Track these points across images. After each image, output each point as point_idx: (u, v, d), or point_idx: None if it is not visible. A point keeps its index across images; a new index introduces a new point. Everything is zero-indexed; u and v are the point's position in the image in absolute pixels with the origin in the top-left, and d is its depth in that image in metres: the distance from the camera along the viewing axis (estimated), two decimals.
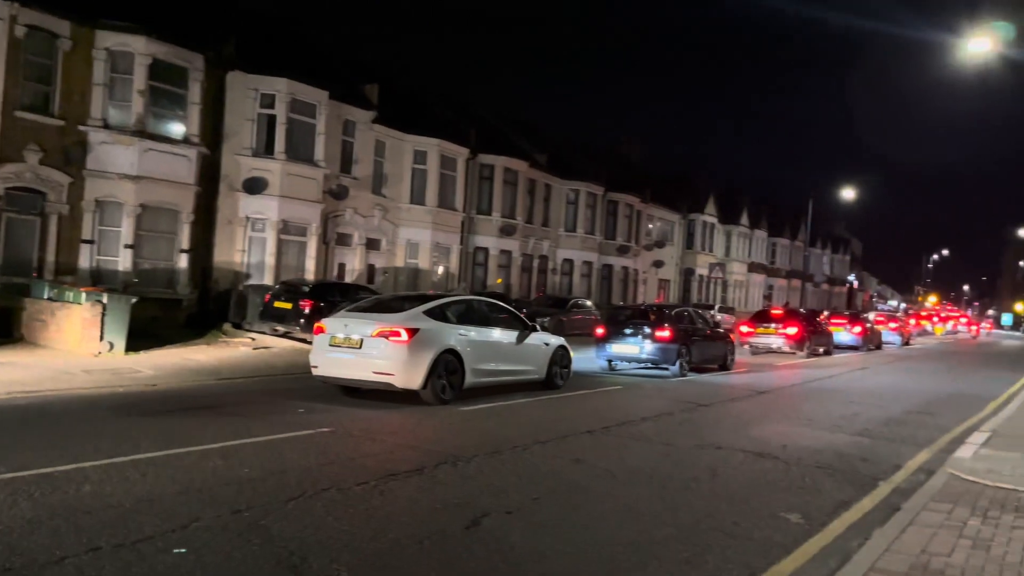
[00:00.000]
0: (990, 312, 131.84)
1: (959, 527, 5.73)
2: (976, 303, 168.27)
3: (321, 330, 10.95)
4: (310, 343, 17.17)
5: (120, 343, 14.56)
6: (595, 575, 4.68)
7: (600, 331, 17.39)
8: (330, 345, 10.72)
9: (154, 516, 5.30)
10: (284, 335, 18.48)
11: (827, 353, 26.66)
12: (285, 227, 21.73)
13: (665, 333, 16.49)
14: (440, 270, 27.92)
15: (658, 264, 43.35)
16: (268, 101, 21.17)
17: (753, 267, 55.56)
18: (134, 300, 14.95)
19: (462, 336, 11.07)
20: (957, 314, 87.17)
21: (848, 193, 48.44)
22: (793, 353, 24.51)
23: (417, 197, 26.76)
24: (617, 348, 16.81)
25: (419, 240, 26.93)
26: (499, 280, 29.60)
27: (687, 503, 6.34)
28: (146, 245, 19.09)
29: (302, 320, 18.00)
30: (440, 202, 27.22)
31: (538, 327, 13.26)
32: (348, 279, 24.11)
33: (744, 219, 53.01)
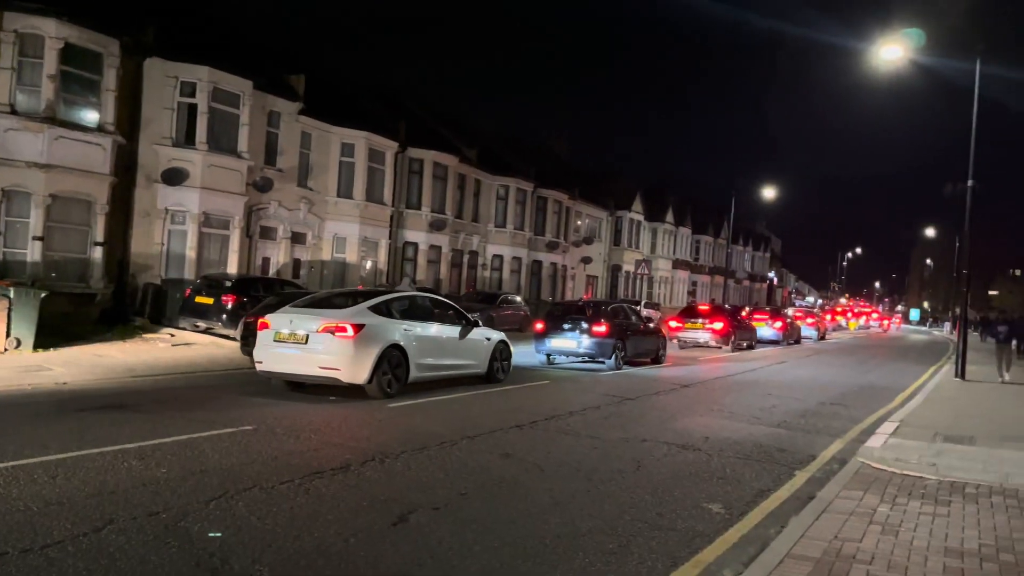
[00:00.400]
0: (899, 308, 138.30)
1: (869, 513, 5.98)
2: (886, 299, 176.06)
3: (266, 326, 10.99)
4: (233, 339, 16.96)
5: (28, 339, 13.88)
6: (522, 569, 4.70)
7: (539, 326, 17.79)
8: (275, 340, 10.79)
9: (65, 520, 5.07)
10: (205, 331, 17.96)
11: (750, 347, 27.81)
12: (207, 220, 21.09)
13: (602, 328, 17.07)
14: (368, 265, 27.59)
15: (586, 260, 43.85)
16: (189, 90, 20.49)
17: (678, 264, 56.78)
18: (44, 294, 14.26)
19: (407, 332, 11.27)
20: (869, 310, 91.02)
21: (768, 192, 50.13)
22: (719, 347, 25.55)
23: (345, 190, 26.36)
24: (556, 343, 17.23)
25: (347, 234, 26.54)
26: (404, 277, 29.46)
27: (613, 495, 6.43)
28: (57, 237, 18.23)
29: (224, 315, 17.54)
30: (368, 196, 26.88)
31: (480, 323, 13.45)
32: (272, 273, 23.58)
33: (669, 217, 54.12)
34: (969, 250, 20.08)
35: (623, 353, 17.42)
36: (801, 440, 9.47)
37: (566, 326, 17.28)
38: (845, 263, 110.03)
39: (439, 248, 30.65)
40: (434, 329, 12.05)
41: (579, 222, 43.31)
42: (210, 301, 17.79)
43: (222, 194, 21.26)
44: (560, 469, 7.24)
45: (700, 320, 26.11)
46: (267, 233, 23.98)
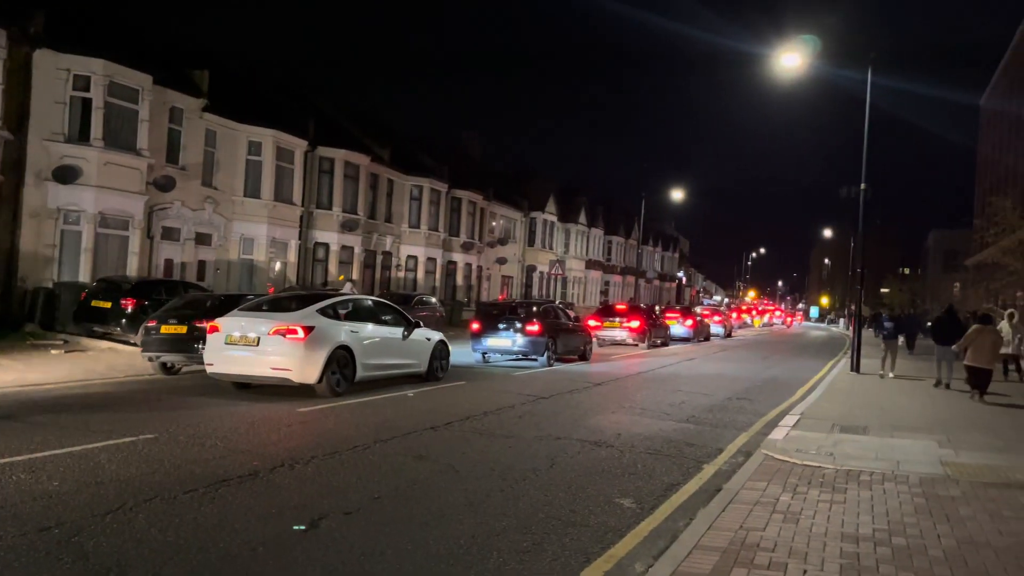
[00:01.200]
0: (800, 305, 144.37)
1: (772, 503, 6.22)
2: (789, 297, 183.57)
3: (216, 329, 11.46)
4: (134, 344, 16.19)
5: None
6: (435, 571, 4.67)
7: (475, 326, 18.57)
8: (226, 343, 11.25)
9: None
10: (103, 336, 17.13)
11: (664, 344, 29.00)
12: (103, 220, 20.13)
13: (535, 328, 18.09)
14: (277, 266, 26.93)
15: (501, 261, 44.04)
16: (82, 83, 19.50)
17: (591, 264, 57.70)
18: None
19: (353, 333, 11.94)
20: (772, 308, 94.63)
21: (677, 194, 51.57)
22: (636, 345, 26.64)
23: (252, 190, 25.64)
24: (492, 342, 18.10)
25: (255, 235, 25.82)
26: (341, 277, 28.95)
27: (526, 494, 6.46)
28: None
29: (124, 320, 16.78)
30: (277, 195, 26.24)
31: (421, 324, 14.08)
32: (176, 276, 22.70)
33: (582, 218, 54.95)
34: (863, 250, 21.18)
35: (554, 351, 18.41)
36: (709, 434, 9.77)
37: (501, 326, 18.20)
38: (750, 263, 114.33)
39: (351, 249, 30.19)
40: (378, 330, 12.68)
41: (494, 223, 43.45)
42: (108, 305, 16.98)
43: (120, 193, 20.33)
44: (474, 469, 7.23)
45: (618, 319, 27.11)
46: (170, 234, 23.08)
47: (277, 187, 26.24)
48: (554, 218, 50.11)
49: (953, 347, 15.14)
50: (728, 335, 40.96)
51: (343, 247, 29.70)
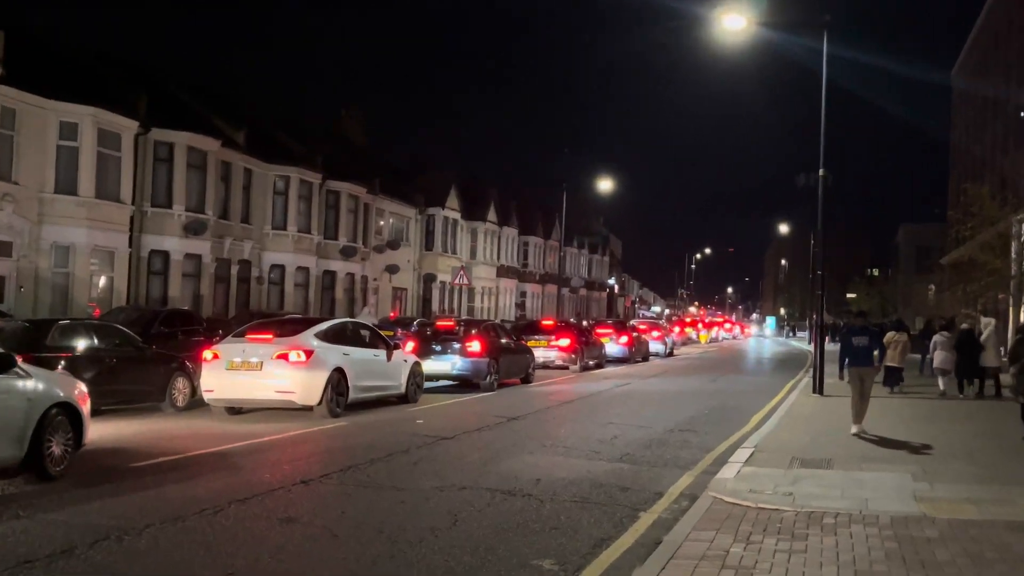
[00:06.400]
0: (754, 315, 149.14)
1: (722, 556, 6.36)
2: (740, 306, 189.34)
3: (216, 356, 14.19)
4: None
5: None
6: None
7: (409, 348, 18.99)
8: (227, 369, 13.97)
9: None
10: None
11: (599, 366, 29.70)
12: None
13: (476, 348, 19.70)
14: (102, 281, 26.00)
15: (392, 270, 43.78)
16: None
17: (503, 271, 58.06)
18: None
19: (346, 356, 14.89)
20: (721, 319, 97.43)
21: (605, 185, 52.37)
22: (566, 367, 27.25)
23: (66, 184, 24.71)
24: (428, 366, 18.74)
25: (71, 241, 24.86)
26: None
27: (423, 559, 6.42)
28: None
29: None
30: (99, 191, 25.36)
31: (399, 345, 17.46)
32: None
33: (491, 215, 55.26)
34: (823, 248, 22.03)
35: (496, 374, 20.15)
36: (646, 475, 9.93)
37: (437, 348, 19.79)
38: (694, 266, 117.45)
39: (198, 258, 29.41)
40: (366, 353, 15.73)
41: (382, 222, 43.17)
42: None
43: None
44: (358, 531, 7.15)
45: (545, 337, 27.69)
46: None
47: (100, 180, 25.36)
48: (457, 215, 50.21)
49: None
50: (670, 353, 41.85)
51: (187, 256, 28.89)
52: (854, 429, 12.97)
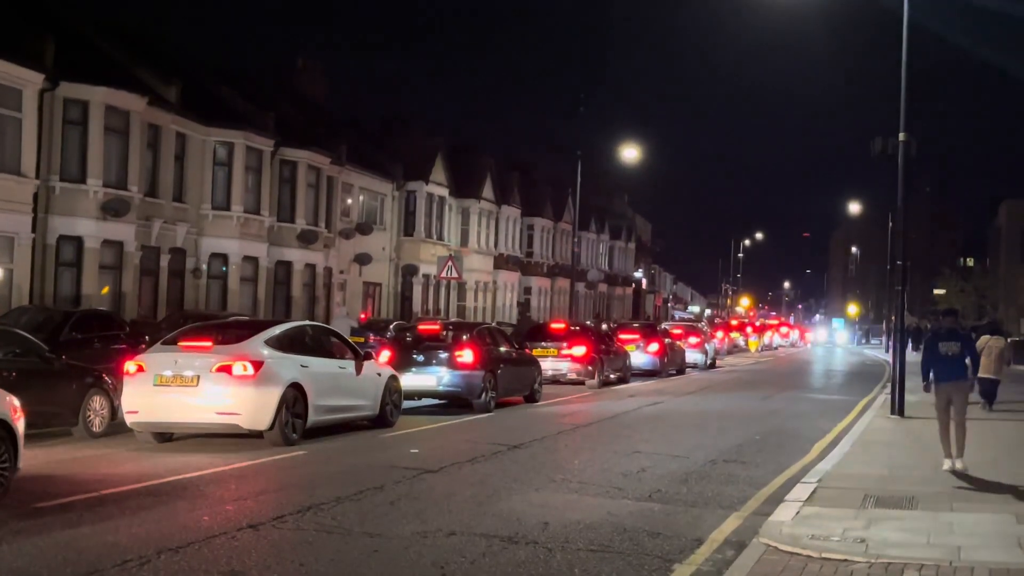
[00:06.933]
0: (816, 317, 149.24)
1: None
2: (800, 305, 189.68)
3: (141, 369, 14.02)
4: None
5: None
6: None
7: (385, 359, 19.09)
8: (155, 385, 13.77)
9: None
10: None
11: (622, 380, 29.52)
12: None
13: (468, 358, 19.57)
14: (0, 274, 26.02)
15: (363, 260, 43.74)
16: None
17: (503, 261, 57.95)
18: None
19: (304, 368, 14.80)
20: (776, 321, 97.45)
21: (630, 152, 52.13)
22: (581, 381, 26.94)
23: None
24: (408, 381, 18.70)
25: None
26: (105, 289, 28.19)
27: None
28: None
29: None
30: None
31: (372, 355, 17.57)
32: None
33: (488, 191, 55.19)
34: (905, 232, 21.94)
35: (494, 390, 20.10)
36: (682, 517, 9.90)
37: (420, 358, 19.75)
38: (741, 255, 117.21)
39: (119, 245, 29.35)
40: (329, 364, 15.76)
41: (349, 200, 43.14)
42: None
43: None
44: None
45: (554, 344, 27.47)
46: None
47: None
48: (444, 191, 50.19)
49: None
50: (712, 364, 41.84)
51: (106, 243, 28.83)
52: (947, 465, 12.44)
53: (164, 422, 14.14)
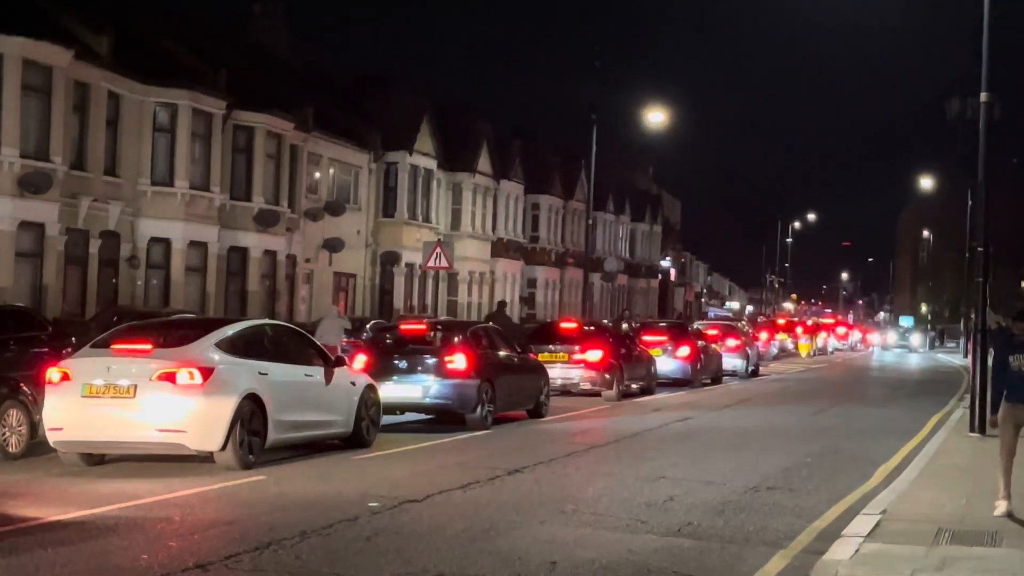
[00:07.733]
0: (881, 315, 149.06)
1: None
2: (860, 300, 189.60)
3: (66, 377, 13.81)
4: None
5: None
6: None
7: (360, 364, 19.31)
8: (84, 396, 13.56)
9: None
10: None
11: (646, 391, 29.43)
12: None
13: (461, 364, 19.50)
14: None
15: (333, 246, 43.67)
16: None
17: (502, 247, 57.83)
18: None
19: (263, 376, 14.64)
20: (833, 320, 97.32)
21: (655, 118, 51.87)
22: (596, 392, 26.86)
23: None
24: (388, 391, 18.61)
25: None
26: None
27: None
28: None
29: None
30: None
31: (345, 360, 17.60)
32: None
33: (484, 163, 55.12)
34: (987, 212, 21.79)
35: (492, 403, 19.99)
36: (717, 556, 9.88)
37: (402, 364, 19.82)
38: (790, 240, 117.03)
39: (40, 228, 29.38)
40: (294, 372, 15.66)
41: (317, 174, 43.12)
42: None
43: None
44: None
45: (565, 348, 27.41)
46: None
47: None
48: (431, 163, 50.09)
49: None
50: (754, 372, 41.86)
51: (24, 225, 28.86)
52: (1000, 509, 11.47)
53: (94, 441, 13.92)
